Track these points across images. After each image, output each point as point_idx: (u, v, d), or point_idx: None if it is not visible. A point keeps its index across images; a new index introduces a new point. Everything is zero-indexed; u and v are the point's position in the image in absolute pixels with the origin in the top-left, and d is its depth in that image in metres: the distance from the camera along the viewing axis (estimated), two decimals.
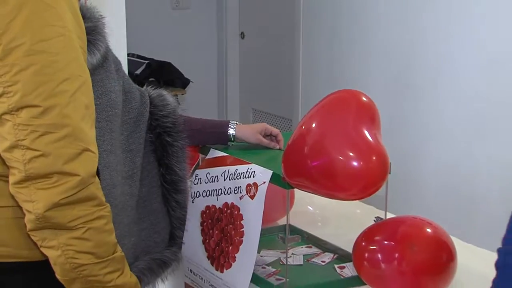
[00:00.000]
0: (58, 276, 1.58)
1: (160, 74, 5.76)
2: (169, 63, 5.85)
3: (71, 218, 1.51)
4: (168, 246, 2.22)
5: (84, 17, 1.89)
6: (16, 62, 1.47)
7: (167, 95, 2.19)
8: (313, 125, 1.99)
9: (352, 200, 2.08)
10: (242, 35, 6.57)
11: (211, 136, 2.35)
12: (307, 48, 5.59)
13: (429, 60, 4.46)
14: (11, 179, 1.51)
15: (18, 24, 1.47)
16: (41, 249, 1.56)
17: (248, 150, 2.33)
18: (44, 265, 1.58)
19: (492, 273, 1.94)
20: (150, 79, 5.59)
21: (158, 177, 2.16)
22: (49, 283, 1.61)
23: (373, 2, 4.88)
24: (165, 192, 2.18)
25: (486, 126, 4.06)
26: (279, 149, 2.36)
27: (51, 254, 1.55)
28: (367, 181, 1.92)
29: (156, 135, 2.14)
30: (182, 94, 5.67)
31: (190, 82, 5.90)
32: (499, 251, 1.58)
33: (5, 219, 1.61)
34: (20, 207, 1.54)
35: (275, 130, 2.39)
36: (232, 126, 2.34)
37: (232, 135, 2.34)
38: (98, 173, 1.86)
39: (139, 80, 5.28)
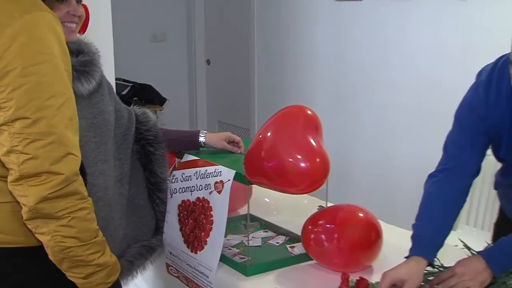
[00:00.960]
0: (50, 257, 1.57)
1: (142, 94, 5.73)
2: (149, 85, 5.82)
3: (58, 209, 1.51)
4: (154, 235, 2.21)
5: (82, 51, 1.92)
6: (10, 83, 1.47)
7: (149, 113, 2.18)
8: (268, 134, 1.99)
9: (300, 194, 2.08)
10: (208, 62, 6.56)
11: (185, 144, 2.35)
12: (261, 71, 5.60)
13: (359, 79, 4.51)
14: (9, 178, 1.52)
15: (12, 52, 1.47)
16: (35, 235, 1.56)
17: (215, 154, 2.32)
18: (39, 249, 1.58)
19: (408, 246, 1.98)
20: (134, 99, 5.56)
21: (144, 179, 2.15)
22: (44, 264, 1.60)
23: (314, 36, 4.91)
24: (150, 191, 2.18)
25: (402, 131, 4.12)
26: (241, 153, 2.36)
27: (43, 239, 1.55)
28: (312, 178, 1.94)
29: (141, 145, 2.13)
30: (160, 110, 5.66)
31: (167, 100, 5.88)
32: None
33: (5, 212, 1.60)
34: (17, 202, 1.54)
35: (237, 138, 2.40)
36: (202, 135, 2.35)
37: (202, 142, 2.34)
38: (94, 177, 1.87)
39: (125, 99, 5.25)
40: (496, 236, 2.23)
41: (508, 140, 1.99)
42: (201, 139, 2.34)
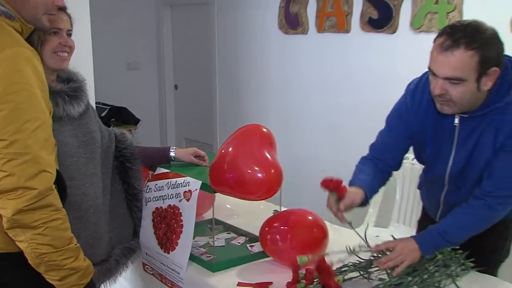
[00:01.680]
0: (29, 262, 1.55)
1: (118, 115, 5.67)
2: (125, 108, 5.76)
3: (33, 220, 1.48)
4: (133, 238, 2.18)
5: (71, 79, 1.95)
6: None
7: (126, 133, 2.16)
8: (230, 149, 1.99)
9: (258, 200, 2.08)
10: (176, 87, 6.53)
11: (158, 159, 2.33)
12: (221, 95, 5.60)
13: (304, 101, 4.55)
14: None
15: None
16: (16, 242, 1.53)
17: (184, 167, 2.31)
18: (21, 255, 1.54)
19: (352, 243, 1.99)
20: (112, 120, 5.50)
21: (123, 191, 2.12)
22: (25, 268, 1.56)
23: (266, 64, 4.94)
24: (128, 201, 2.14)
25: (341, 145, 4.16)
26: (206, 166, 2.35)
27: (21, 246, 1.52)
28: (268, 187, 1.95)
29: (119, 162, 2.10)
30: (135, 129, 5.59)
31: (140, 121, 5.83)
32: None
33: None
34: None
35: (202, 152, 2.39)
36: (172, 150, 2.33)
37: (172, 156, 2.33)
38: (85, 188, 1.86)
39: (104, 120, 5.13)
40: (419, 231, 2.27)
41: (431, 145, 2.07)
42: (172, 154, 2.33)
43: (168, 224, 2.14)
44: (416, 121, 2.08)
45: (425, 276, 1.87)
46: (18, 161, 1.46)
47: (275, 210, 2.29)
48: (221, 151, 2.01)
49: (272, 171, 1.94)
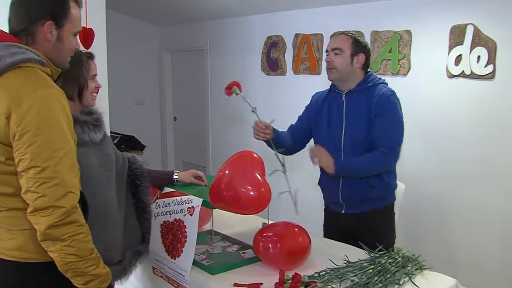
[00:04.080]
0: (59, 269, 1.54)
1: (128, 142, 5.63)
2: (133, 136, 5.73)
3: (61, 233, 1.48)
4: (141, 243, 2.16)
5: (91, 112, 1.96)
6: (26, 141, 1.46)
7: (137, 157, 2.16)
8: (226, 171, 1.99)
9: (250, 214, 2.07)
10: (175, 118, 6.52)
11: (163, 180, 2.32)
12: (213, 125, 5.62)
13: None
14: (27, 211, 1.49)
15: (28, 119, 1.46)
16: (48, 253, 1.52)
17: (187, 187, 2.29)
18: (52, 264, 1.54)
19: (329, 252, 1.99)
20: (122, 146, 5.46)
21: (133, 204, 2.11)
22: (56, 275, 1.55)
23: (252, 100, 4.96)
24: (138, 213, 2.12)
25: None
26: (205, 185, 2.34)
27: (52, 255, 1.51)
28: (259, 203, 1.95)
29: (131, 180, 2.09)
30: (141, 154, 5.57)
31: (145, 147, 5.80)
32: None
33: (26, 236, 1.56)
34: (34, 229, 1.51)
35: (200, 173, 2.38)
36: (175, 173, 2.33)
37: (176, 179, 2.32)
38: (107, 203, 1.87)
39: (116, 146, 5.14)
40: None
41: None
42: (175, 176, 2.33)
43: (174, 235, 2.12)
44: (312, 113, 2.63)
45: (388, 276, 1.90)
46: (49, 184, 1.46)
47: (264, 223, 2.28)
48: (219, 173, 2.00)
49: (263, 189, 1.93)
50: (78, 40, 1.73)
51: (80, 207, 1.55)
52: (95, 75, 1.94)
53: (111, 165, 1.93)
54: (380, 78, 2.53)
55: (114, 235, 1.92)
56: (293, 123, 2.75)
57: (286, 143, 2.56)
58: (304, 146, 2.71)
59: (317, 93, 2.70)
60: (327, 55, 2.50)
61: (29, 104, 1.46)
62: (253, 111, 2.25)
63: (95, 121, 1.93)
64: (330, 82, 2.56)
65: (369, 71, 2.52)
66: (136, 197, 2.10)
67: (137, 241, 2.12)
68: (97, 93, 1.96)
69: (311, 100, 2.71)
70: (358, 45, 2.45)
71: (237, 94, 2.30)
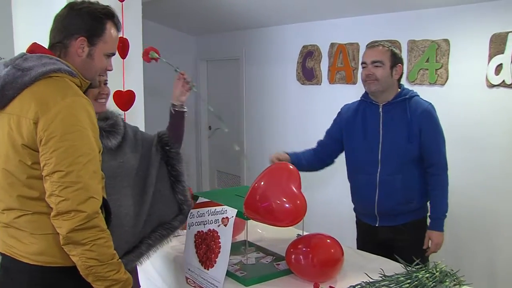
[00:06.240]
0: (80, 273, 1.56)
1: None
2: None
3: (83, 238, 1.51)
4: (178, 215, 2.15)
5: (108, 117, 2.03)
6: (51, 146, 1.50)
7: (165, 131, 2.21)
8: (262, 183, 1.99)
9: (285, 227, 2.06)
10: (210, 128, 6.57)
11: (174, 117, 2.33)
12: (248, 134, 5.63)
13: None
14: (51, 215, 1.52)
15: (54, 125, 1.50)
16: (70, 257, 1.55)
17: (223, 198, 2.28)
18: (74, 268, 1.56)
19: (363, 264, 1.96)
20: None
21: (167, 173, 2.12)
22: (78, 279, 1.57)
23: (286, 110, 4.96)
24: (172, 182, 2.13)
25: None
26: (185, 79, 2.34)
27: (74, 259, 1.54)
28: (294, 216, 1.93)
29: (161, 147, 2.13)
30: None
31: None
32: None
33: (49, 240, 1.59)
34: (57, 234, 1.54)
35: (186, 76, 2.35)
36: (171, 106, 2.33)
37: (172, 107, 2.33)
38: (120, 200, 1.90)
39: None
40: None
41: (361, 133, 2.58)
42: (171, 108, 2.32)
43: (208, 245, 2.13)
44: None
45: None
46: (72, 188, 1.49)
47: (299, 234, 2.27)
48: (254, 185, 2.00)
49: (298, 202, 1.92)
50: (111, 62, 1.79)
51: (103, 213, 1.58)
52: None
53: (128, 166, 1.98)
54: (412, 90, 2.57)
55: (135, 229, 1.95)
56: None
57: (303, 163, 2.67)
58: (332, 162, 2.78)
59: (346, 105, 2.73)
60: (363, 67, 2.53)
61: (57, 111, 1.51)
62: (176, 70, 2.23)
63: (110, 127, 1.98)
64: (361, 93, 2.57)
65: (401, 83, 2.56)
66: (170, 164, 2.12)
67: (170, 214, 2.12)
68: (104, 99, 1.99)
69: (339, 112, 2.73)
70: (395, 57, 2.51)
71: (155, 58, 2.28)
